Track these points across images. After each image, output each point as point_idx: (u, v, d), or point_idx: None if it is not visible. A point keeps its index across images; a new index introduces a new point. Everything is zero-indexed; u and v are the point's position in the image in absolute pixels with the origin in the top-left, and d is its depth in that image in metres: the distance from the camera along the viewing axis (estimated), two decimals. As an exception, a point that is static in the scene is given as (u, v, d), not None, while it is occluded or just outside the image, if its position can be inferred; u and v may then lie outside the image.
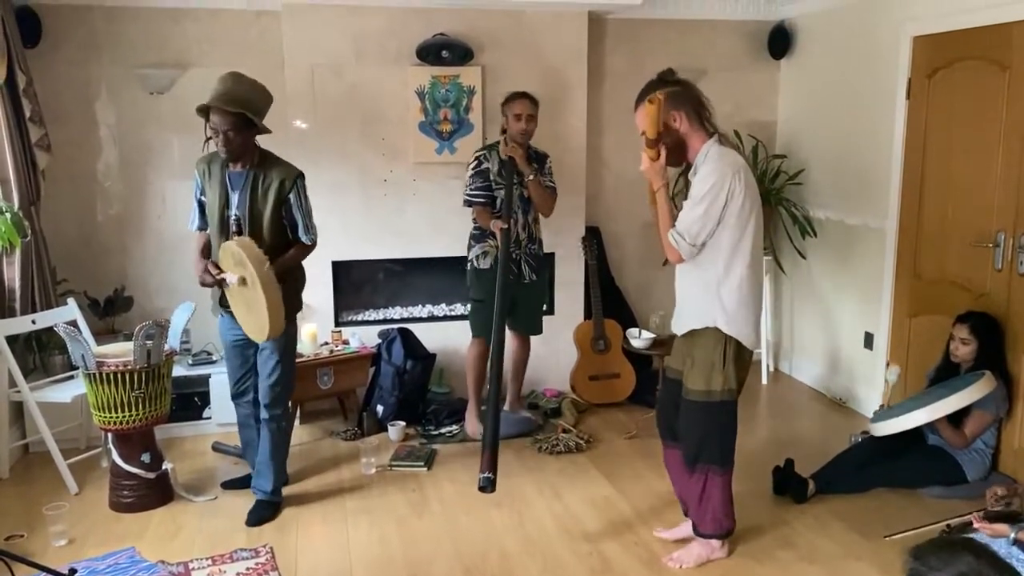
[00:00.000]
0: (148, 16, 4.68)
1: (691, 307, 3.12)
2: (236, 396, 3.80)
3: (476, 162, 4.40)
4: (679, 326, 3.19)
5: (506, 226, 4.23)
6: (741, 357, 3.10)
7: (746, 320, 3.05)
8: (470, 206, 4.43)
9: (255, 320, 3.40)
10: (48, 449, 3.95)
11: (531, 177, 4.33)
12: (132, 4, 4.63)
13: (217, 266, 3.47)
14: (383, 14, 4.77)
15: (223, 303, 3.61)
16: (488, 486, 3.38)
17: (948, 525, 3.40)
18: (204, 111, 3.38)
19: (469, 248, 4.52)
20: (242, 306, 3.47)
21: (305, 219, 3.57)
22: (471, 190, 4.40)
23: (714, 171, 2.93)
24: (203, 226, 3.61)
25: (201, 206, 3.58)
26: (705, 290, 3.04)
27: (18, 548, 3.32)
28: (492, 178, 4.37)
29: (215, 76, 4.60)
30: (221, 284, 3.46)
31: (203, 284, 3.53)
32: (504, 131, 4.43)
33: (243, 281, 3.33)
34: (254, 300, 3.33)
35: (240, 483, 3.93)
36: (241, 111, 3.33)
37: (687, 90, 3.04)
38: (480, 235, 4.45)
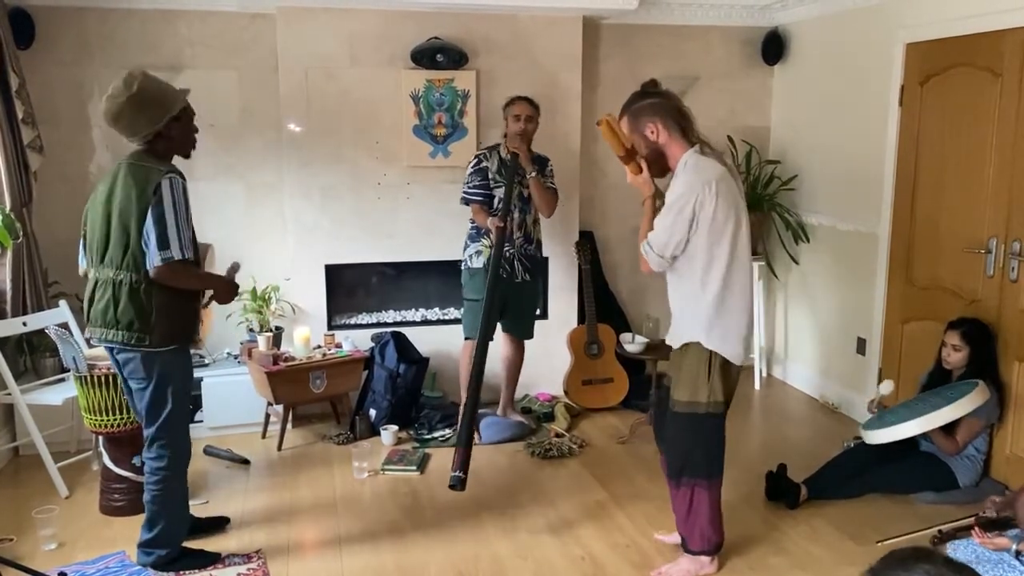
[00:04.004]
0: (141, 18, 4.67)
1: (679, 320, 3.11)
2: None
3: (476, 160, 4.46)
4: (672, 339, 3.16)
5: (502, 224, 4.23)
6: (727, 371, 3.05)
7: (726, 333, 2.99)
8: (467, 204, 4.47)
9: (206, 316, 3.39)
10: (38, 452, 3.93)
11: (532, 175, 4.34)
12: (125, 6, 4.62)
13: None
14: (378, 17, 4.77)
15: None
16: (457, 484, 3.43)
17: (940, 531, 3.41)
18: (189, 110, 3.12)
19: (465, 248, 4.54)
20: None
21: None
22: (469, 188, 4.45)
23: (682, 183, 2.92)
24: None
25: None
26: (688, 303, 3.04)
27: (7, 552, 3.30)
28: (491, 177, 4.41)
29: (209, 78, 4.70)
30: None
31: (228, 301, 3.29)
32: (506, 135, 4.47)
33: None
34: None
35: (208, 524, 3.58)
36: None
37: (667, 100, 3.01)
38: (475, 234, 4.49)
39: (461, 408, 4.61)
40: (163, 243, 2.90)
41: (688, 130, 3.01)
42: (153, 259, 2.91)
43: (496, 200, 4.40)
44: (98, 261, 3.04)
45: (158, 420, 3.08)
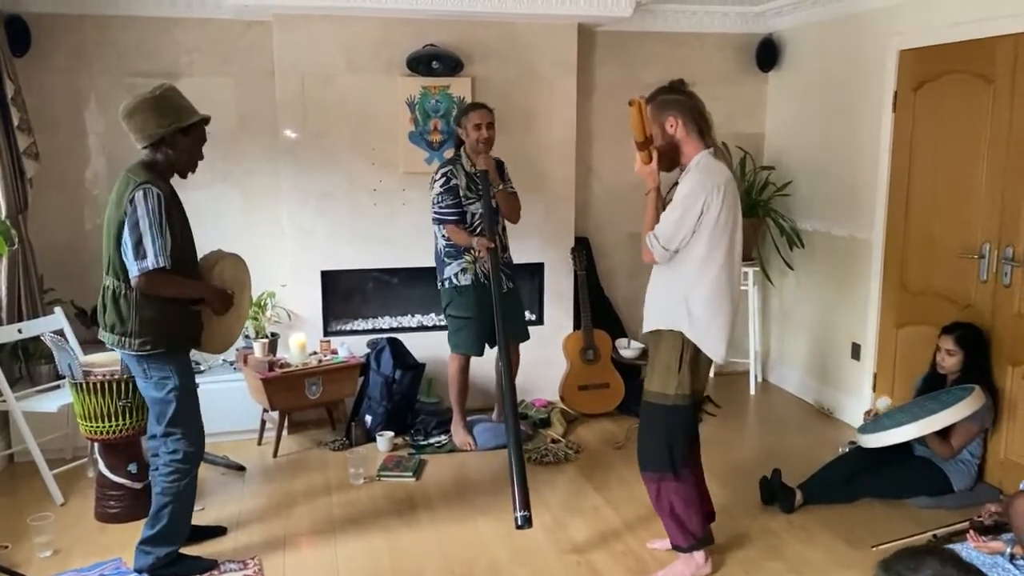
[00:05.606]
0: (138, 25, 4.68)
1: (658, 307, 3.16)
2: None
3: (444, 179, 4.29)
4: (645, 323, 3.22)
5: (493, 245, 4.20)
6: (698, 365, 3.12)
7: (709, 329, 3.06)
8: (441, 224, 4.36)
9: (229, 328, 3.35)
10: (33, 459, 3.93)
11: (501, 187, 4.33)
12: (122, 13, 4.63)
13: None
14: (374, 24, 4.78)
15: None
16: (526, 524, 3.31)
17: (935, 535, 3.42)
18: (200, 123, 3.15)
19: (443, 266, 4.45)
20: (227, 319, 3.31)
21: None
22: (441, 208, 4.31)
23: (694, 181, 3.01)
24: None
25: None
26: (674, 294, 3.08)
27: (3, 559, 3.30)
28: (462, 194, 4.31)
29: (206, 85, 4.71)
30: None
31: (224, 311, 3.24)
32: (460, 144, 4.37)
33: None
34: (240, 304, 3.35)
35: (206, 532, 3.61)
36: None
37: (691, 100, 3.11)
38: (455, 252, 4.38)
39: (455, 416, 4.61)
40: (139, 253, 2.94)
41: (705, 132, 3.10)
42: (132, 269, 2.97)
43: (471, 216, 4.33)
44: (104, 264, 3.13)
45: (166, 417, 3.15)
